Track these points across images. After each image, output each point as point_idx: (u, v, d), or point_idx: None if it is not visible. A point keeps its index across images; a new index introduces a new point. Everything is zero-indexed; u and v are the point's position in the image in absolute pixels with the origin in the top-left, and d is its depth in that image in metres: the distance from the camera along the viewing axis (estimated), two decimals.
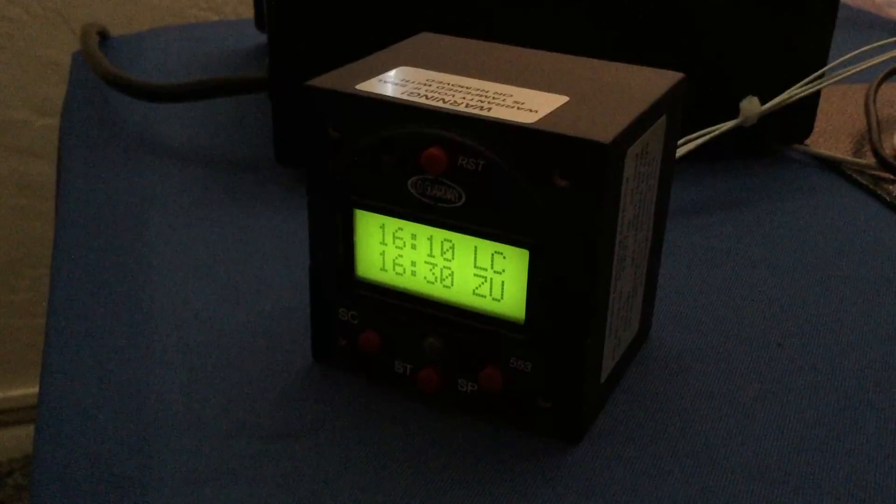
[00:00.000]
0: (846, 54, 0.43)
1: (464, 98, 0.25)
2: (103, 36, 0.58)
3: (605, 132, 0.23)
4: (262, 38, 0.61)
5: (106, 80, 0.45)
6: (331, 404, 0.27)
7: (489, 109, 0.24)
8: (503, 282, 0.25)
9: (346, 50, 0.39)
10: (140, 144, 0.44)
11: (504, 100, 0.25)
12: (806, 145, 0.45)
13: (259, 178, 0.41)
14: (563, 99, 0.25)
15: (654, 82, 0.26)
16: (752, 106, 0.39)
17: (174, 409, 0.27)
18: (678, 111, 0.27)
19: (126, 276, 0.33)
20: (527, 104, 0.25)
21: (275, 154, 0.40)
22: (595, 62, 0.28)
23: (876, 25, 0.66)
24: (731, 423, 0.27)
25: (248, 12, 1.15)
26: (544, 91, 0.25)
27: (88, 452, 0.25)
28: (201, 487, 0.24)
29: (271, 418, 0.26)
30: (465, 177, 0.24)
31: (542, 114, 0.24)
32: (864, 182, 0.42)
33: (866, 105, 0.46)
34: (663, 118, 0.26)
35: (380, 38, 0.38)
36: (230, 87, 0.42)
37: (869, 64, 0.41)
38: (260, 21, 0.58)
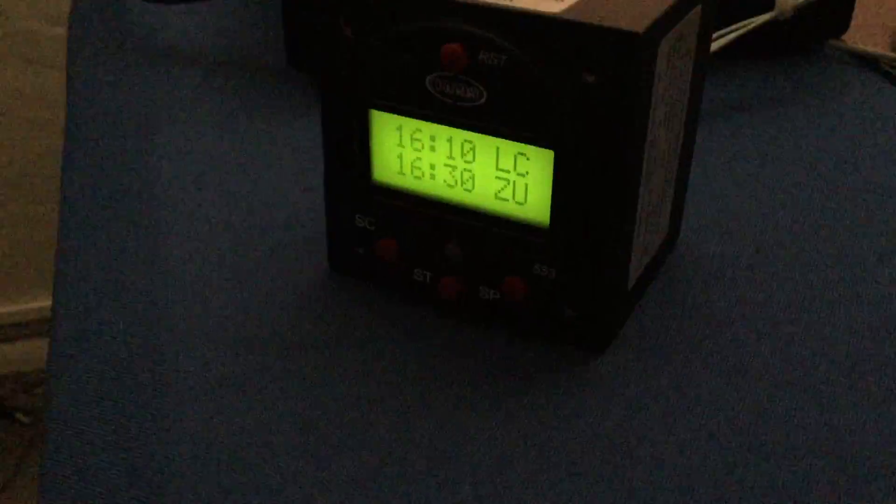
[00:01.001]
0: None
1: None
2: None
3: (636, 22, 0.21)
4: None
5: None
6: (348, 315, 0.26)
7: (513, 1, 0.22)
8: (527, 185, 0.24)
9: None
10: (149, 50, 0.43)
11: None
12: (842, 40, 0.42)
13: (271, 82, 0.40)
14: None
15: None
16: (786, 0, 0.37)
17: (188, 319, 0.26)
18: (711, 9, 0.26)
19: (137, 186, 0.32)
20: None
21: (287, 57, 0.39)
22: None
23: None
24: (761, 331, 0.26)
25: None
26: None
27: (102, 360, 0.25)
28: (214, 397, 0.23)
29: (286, 330, 0.26)
30: (487, 73, 0.23)
31: (568, 3, 0.22)
32: None
33: None
34: (698, 7, 0.24)
35: None
36: None
37: None
38: None
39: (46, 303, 1.32)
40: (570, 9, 0.22)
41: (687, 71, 0.25)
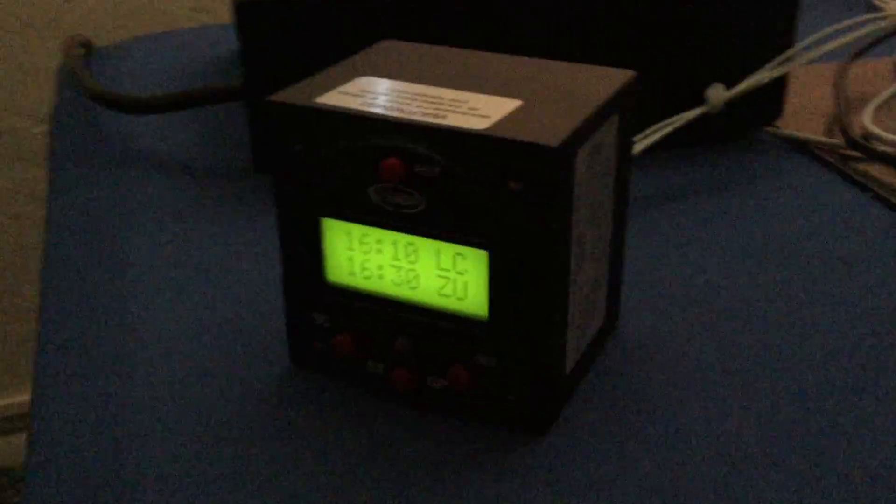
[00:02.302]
0: (815, 31, 0.44)
1: (420, 106, 0.26)
2: (87, 48, 0.59)
3: (554, 136, 0.24)
4: None
5: (87, 94, 0.45)
6: (308, 407, 0.28)
7: (444, 117, 0.25)
8: (466, 282, 0.26)
9: (317, 57, 0.40)
10: (125, 155, 0.45)
11: (459, 106, 0.26)
12: (776, 127, 0.45)
13: (239, 186, 0.42)
14: (516, 103, 0.26)
15: (605, 81, 0.27)
16: (717, 93, 0.40)
17: (156, 416, 0.28)
18: (631, 108, 0.28)
19: (111, 286, 0.34)
20: (481, 110, 0.25)
21: (253, 163, 0.41)
22: (550, 63, 0.29)
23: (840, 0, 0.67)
24: (697, 408, 0.28)
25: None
26: (498, 95, 0.26)
27: (73, 458, 0.26)
28: (181, 492, 0.25)
29: (250, 423, 0.27)
30: (424, 183, 0.25)
31: (494, 119, 0.25)
32: (834, 162, 0.42)
33: (836, 85, 0.47)
34: (615, 116, 0.27)
35: (349, 45, 0.39)
36: (207, 97, 0.42)
37: (836, 44, 0.42)
38: None
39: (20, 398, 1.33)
40: (496, 125, 0.24)
41: (609, 172, 0.27)
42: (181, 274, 0.35)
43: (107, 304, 0.34)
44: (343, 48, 0.40)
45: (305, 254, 0.28)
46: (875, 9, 0.64)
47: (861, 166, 0.42)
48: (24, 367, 1.31)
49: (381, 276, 0.27)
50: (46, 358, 0.31)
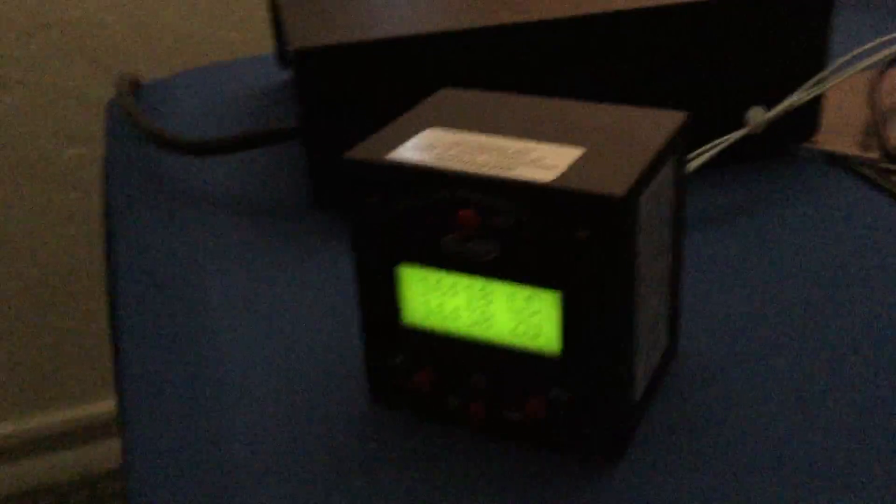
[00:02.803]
0: (850, 42, 0.45)
1: (488, 159, 0.27)
2: (135, 85, 0.61)
3: (618, 185, 0.25)
4: (284, 75, 0.63)
5: (148, 137, 0.47)
6: (387, 443, 0.30)
7: (513, 169, 0.27)
8: (538, 322, 0.28)
9: (372, 98, 0.41)
10: (184, 199, 0.47)
11: (525, 156, 0.27)
12: (813, 143, 0.47)
13: (299, 222, 0.44)
14: (579, 151, 0.27)
15: (660, 125, 0.29)
16: (757, 115, 0.42)
17: (245, 457, 0.30)
18: (684, 148, 0.30)
19: (191, 336, 0.36)
20: (546, 160, 0.27)
21: (313, 199, 0.43)
22: (603, 107, 0.31)
23: (875, 3, 0.67)
24: (759, 427, 0.29)
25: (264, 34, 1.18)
26: (560, 143, 0.28)
27: (170, 495, 0.28)
28: None
29: (336, 459, 0.29)
30: (497, 232, 0.27)
31: (560, 169, 0.26)
32: (871, 175, 0.44)
33: (871, 98, 0.48)
34: (672, 159, 0.28)
35: (402, 88, 0.41)
36: (265, 138, 0.44)
37: (869, 61, 0.43)
38: (282, 58, 0.61)
39: (78, 411, 1.35)
40: (562, 176, 0.26)
41: (667, 212, 0.29)
42: (258, 315, 0.37)
43: (186, 347, 0.35)
44: (396, 91, 0.41)
45: (383, 298, 0.29)
46: None
47: None
48: (44, 387, 1.34)
49: (456, 318, 0.29)
50: (135, 415, 0.33)
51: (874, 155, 0.45)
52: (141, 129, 0.49)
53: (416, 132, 0.30)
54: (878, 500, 0.26)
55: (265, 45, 1.21)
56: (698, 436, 0.29)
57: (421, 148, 0.28)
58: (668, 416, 0.30)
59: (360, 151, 0.28)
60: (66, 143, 1.18)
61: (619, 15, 0.42)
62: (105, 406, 1.35)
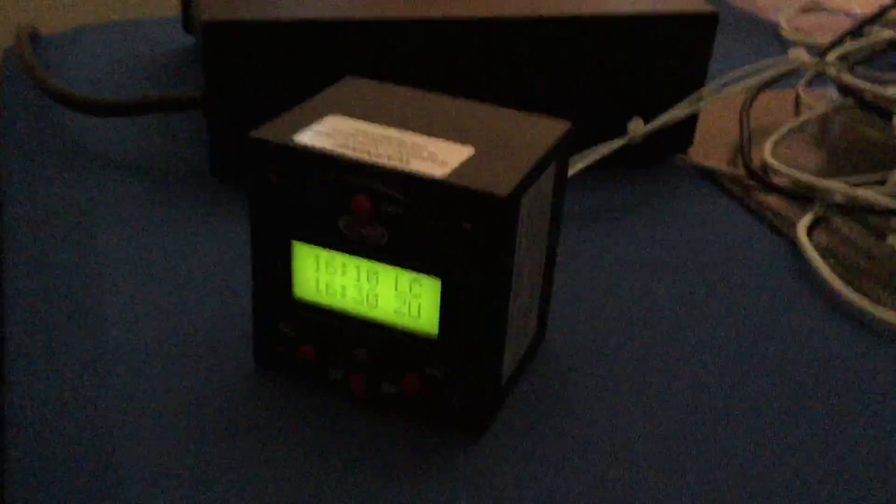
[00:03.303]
0: (726, 66, 0.49)
1: (385, 150, 0.29)
2: (34, 37, 0.60)
3: (503, 185, 0.28)
4: (189, 40, 0.63)
5: (47, 93, 0.47)
6: (271, 406, 0.32)
7: (408, 162, 0.29)
8: (420, 304, 0.30)
9: (275, 77, 0.43)
10: (79, 155, 0.48)
11: (420, 151, 0.29)
12: (686, 156, 0.50)
13: (195, 189, 0.45)
14: (470, 151, 0.30)
15: (545, 132, 0.31)
16: (637, 126, 0.45)
17: (129, 415, 0.31)
18: (566, 154, 0.32)
19: (77, 289, 0.37)
20: (439, 156, 0.29)
21: (210, 168, 0.44)
22: (496, 110, 0.33)
23: (757, 30, 0.72)
24: (609, 410, 0.32)
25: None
26: (453, 141, 0.30)
27: (50, 459, 0.29)
28: (155, 487, 0.28)
29: (218, 419, 0.31)
30: (388, 219, 0.29)
31: (451, 166, 0.29)
32: (735, 190, 0.48)
33: (740, 119, 0.52)
34: (552, 165, 0.31)
35: (305, 71, 0.42)
36: (167, 105, 0.45)
37: (743, 85, 0.47)
38: (187, 23, 0.61)
39: None
40: (452, 172, 0.28)
41: (546, 212, 0.32)
42: (145, 276, 0.38)
43: (74, 308, 0.36)
44: (299, 72, 0.43)
45: (276, 272, 0.31)
46: (781, 40, 0.70)
47: (759, 196, 0.47)
48: None
49: (344, 295, 0.31)
50: (16, 364, 0.33)
51: (739, 172, 0.49)
52: (40, 82, 0.49)
53: (320, 118, 0.31)
54: (702, 482, 0.30)
55: (166, 6, 1.19)
56: (556, 415, 0.32)
57: (323, 134, 0.30)
58: (530, 396, 0.33)
59: (265, 132, 0.30)
60: None
61: (517, 21, 0.44)
62: None
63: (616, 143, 0.45)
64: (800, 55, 0.49)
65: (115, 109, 0.46)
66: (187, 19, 0.61)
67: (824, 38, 0.69)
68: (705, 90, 0.47)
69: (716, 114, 0.56)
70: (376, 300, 0.30)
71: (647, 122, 0.48)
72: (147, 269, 0.39)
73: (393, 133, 0.31)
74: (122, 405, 0.31)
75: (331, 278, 0.31)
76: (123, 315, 0.36)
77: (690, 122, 0.49)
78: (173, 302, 0.37)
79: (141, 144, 0.49)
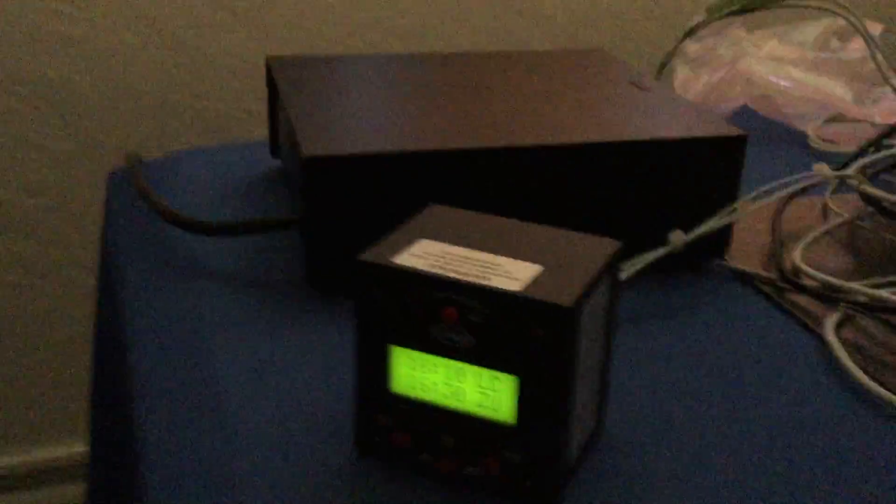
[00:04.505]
0: (757, 171, 0.55)
1: (469, 269, 0.36)
2: (139, 161, 0.68)
3: (567, 298, 0.34)
4: (276, 163, 0.71)
5: (162, 215, 0.55)
6: (371, 487, 0.37)
7: (488, 279, 0.35)
8: (500, 398, 0.36)
9: (368, 205, 0.49)
10: (188, 271, 0.55)
11: (497, 269, 0.36)
12: (724, 260, 0.56)
13: (295, 301, 0.51)
14: (539, 269, 0.36)
15: (600, 250, 0.38)
16: (677, 237, 0.51)
17: (255, 495, 0.37)
18: (617, 268, 0.38)
19: (202, 390, 0.44)
20: (513, 273, 0.35)
21: (307, 281, 0.51)
22: (559, 232, 0.39)
23: (786, 140, 0.79)
24: (660, 491, 0.37)
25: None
26: (524, 260, 0.36)
27: None
28: None
29: (324, 499, 0.37)
30: (472, 326, 0.35)
31: (524, 282, 0.35)
32: (769, 292, 0.53)
33: (773, 226, 0.58)
34: (607, 278, 0.37)
35: (392, 202, 0.49)
36: (270, 225, 0.52)
37: (775, 197, 0.53)
38: (274, 149, 0.69)
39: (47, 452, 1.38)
40: (525, 287, 0.34)
41: (602, 317, 0.37)
42: (260, 379, 0.44)
43: (196, 410, 0.43)
44: (385, 199, 0.50)
45: (377, 371, 0.37)
46: (808, 150, 0.76)
47: (792, 297, 0.53)
48: (11, 427, 1.36)
49: (434, 390, 0.37)
50: (152, 453, 0.40)
51: (773, 275, 0.54)
52: (154, 205, 0.56)
53: (412, 242, 0.38)
54: None
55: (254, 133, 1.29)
56: (613, 495, 0.37)
57: (416, 256, 0.37)
58: (592, 478, 0.38)
59: (370, 255, 0.37)
60: (26, 195, 1.24)
61: (571, 147, 0.51)
62: (64, 450, 1.38)
63: (660, 252, 0.51)
64: (822, 169, 0.55)
65: (225, 230, 0.53)
66: (274, 145, 0.69)
67: (849, 147, 0.75)
68: (739, 203, 0.53)
69: (750, 222, 0.62)
70: (462, 394, 0.36)
71: (686, 232, 0.54)
72: (262, 374, 0.45)
73: (474, 254, 0.37)
74: (244, 487, 0.37)
75: (423, 376, 0.37)
76: (242, 410, 0.42)
77: (726, 230, 0.55)
78: (286, 402, 0.43)
79: (245, 263, 0.56)
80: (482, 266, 0.36)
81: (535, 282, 0.35)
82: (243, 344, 0.47)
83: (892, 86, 0.73)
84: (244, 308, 0.50)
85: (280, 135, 0.66)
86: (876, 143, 0.64)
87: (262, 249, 0.57)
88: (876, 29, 0.87)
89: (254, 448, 0.39)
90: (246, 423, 0.41)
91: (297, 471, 0.38)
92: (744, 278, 0.55)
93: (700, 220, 0.54)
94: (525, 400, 0.35)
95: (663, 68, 0.81)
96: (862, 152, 0.63)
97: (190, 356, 0.46)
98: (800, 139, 0.79)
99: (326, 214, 0.49)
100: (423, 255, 0.37)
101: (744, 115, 0.85)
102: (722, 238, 0.55)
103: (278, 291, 0.52)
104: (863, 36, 0.74)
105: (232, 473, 0.38)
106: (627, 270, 0.50)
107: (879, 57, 0.75)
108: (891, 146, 0.63)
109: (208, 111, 1.28)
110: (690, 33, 0.81)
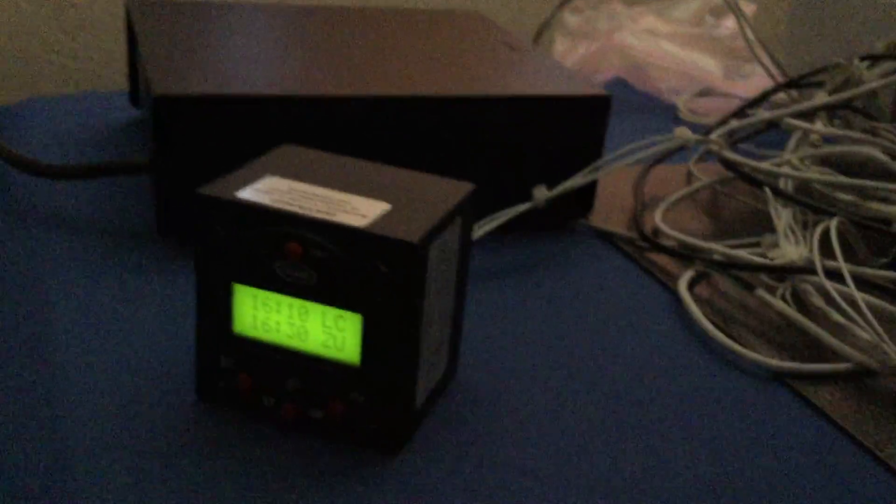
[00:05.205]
0: (625, 140, 0.55)
1: (315, 205, 0.34)
2: None
3: (414, 234, 0.33)
4: (136, 113, 0.68)
5: (3, 156, 0.52)
6: (210, 432, 0.36)
7: (334, 214, 0.34)
8: (344, 337, 0.35)
9: (220, 146, 0.48)
10: (28, 215, 0.52)
11: (344, 206, 0.35)
12: (587, 220, 0.56)
13: (142, 246, 0.49)
14: (386, 206, 0.35)
15: (452, 192, 0.37)
16: (541, 193, 0.51)
17: (82, 440, 0.35)
18: (470, 211, 0.38)
19: (32, 337, 0.41)
20: (360, 210, 0.34)
21: (157, 227, 0.49)
22: (411, 174, 0.38)
23: (657, 112, 0.80)
24: (513, 435, 0.37)
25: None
26: (373, 198, 0.35)
27: (9, 478, 0.33)
28: (105, 496, 0.32)
29: (162, 446, 0.35)
30: (316, 262, 0.34)
31: (370, 218, 0.34)
32: (630, 251, 0.54)
33: (635, 188, 0.59)
34: (459, 219, 0.36)
35: (245, 143, 0.48)
36: (117, 168, 0.50)
37: (636, 157, 0.54)
38: (134, 97, 0.66)
39: None
40: (371, 223, 0.33)
41: (453, 259, 0.37)
42: (96, 320, 0.42)
43: (26, 350, 0.40)
44: (240, 141, 0.48)
45: (218, 310, 0.36)
46: (679, 121, 0.77)
47: (650, 255, 0.53)
48: None
49: (278, 330, 0.35)
50: None
51: (633, 235, 0.55)
52: None
53: (259, 178, 0.36)
54: (600, 492, 0.35)
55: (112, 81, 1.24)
56: (464, 441, 0.37)
57: (261, 191, 0.35)
58: (442, 424, 0.38)
59: (211, 189, 0.35)
60: None
61: (435, 99, 0.50)
62: None
63: (522, 208, 0.50)
64: (683, 133, 0.56)
65: (70, 173, 0.50)
66: (134, 93, 0.66)
67: (717, 119, 0.76)
68: (600, 161, 0.53)
69: (616, 186, 0.63)
70: (306, 334, 0.35)
71: (550, 189, 0.54)
72: (98, 316, 0.43)
73: (322, 191, 0.36)
74: (75, 433, 0.35)
75: (266, 315, 0.35)
76: (76, 357, 0.40)
77: (590, 190, 0.55)
78: (123, 344, 0.41)
79: (91, 208, 0.53)
80: (329, 202, 0.35)
81: (382, 219, 0.34)
82: (81, 289, 0.45)
83: (761, 62, 0.75)
84: (88, 254, 0.48)
85: (139, 82, 0.63)
86: (739, 113, 0.65)
87: (113, 196, 0.55)
88: (750, 9, 0.89)
89: (84, 394, 0.37)
90: (78, 367, 0.39)
91: (129, 416, 0.36)
92: (606, 237, 0.55)
93: (564, 179, 0.54)
94: (370, 340, 0.34)
95: (539, 36, 0.81)
96: (725, 121, 0.65)
97: (22, 301, 0.43)
98: (670, 111, 0.80)
99: (177, 157, 0.47)
100: (269, 190, 0.35)
101: (617, 85, 0.86)
102: (586, 198, 0.56)
103: (126, 239, 0.50)
104: (735, 14, 0.76)
105: (55, 416, 0.36)
106: (489, 225, 0.49)
107: (750, 34, 0.77)
108: (752, 116, 0.65)
109: (66, 58, 1.22)
110: (566, 2, 0.82)
